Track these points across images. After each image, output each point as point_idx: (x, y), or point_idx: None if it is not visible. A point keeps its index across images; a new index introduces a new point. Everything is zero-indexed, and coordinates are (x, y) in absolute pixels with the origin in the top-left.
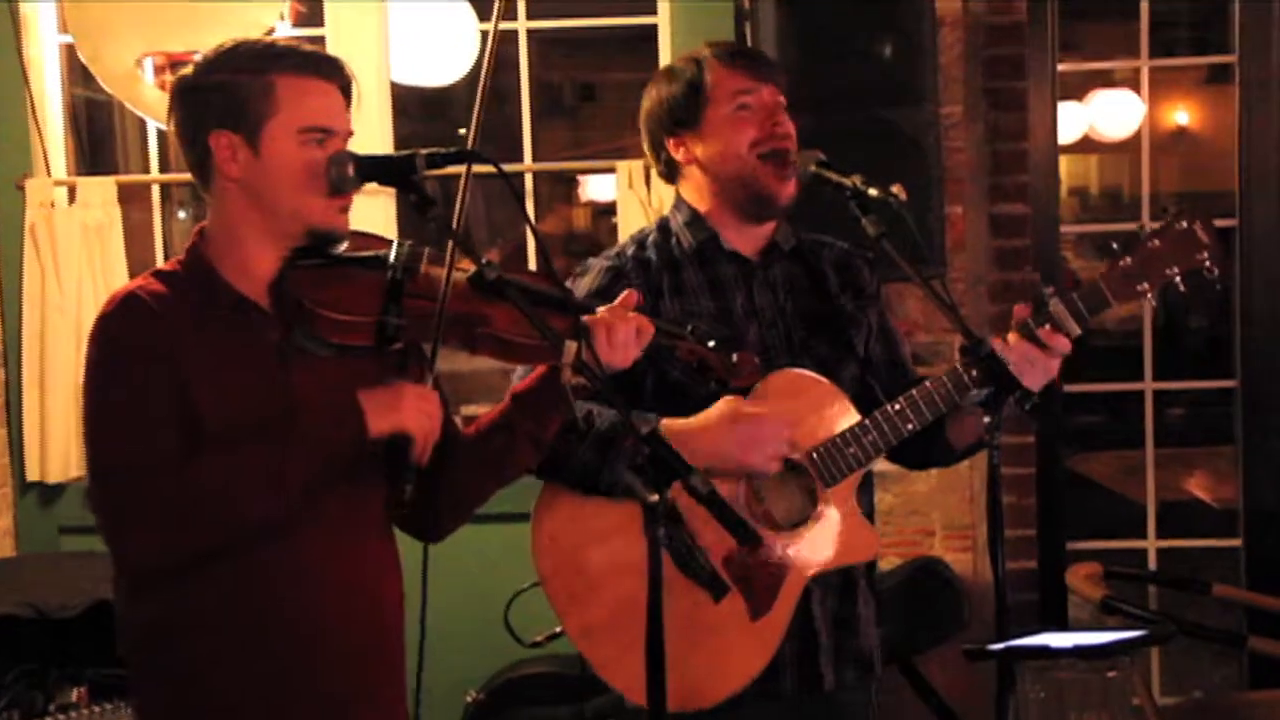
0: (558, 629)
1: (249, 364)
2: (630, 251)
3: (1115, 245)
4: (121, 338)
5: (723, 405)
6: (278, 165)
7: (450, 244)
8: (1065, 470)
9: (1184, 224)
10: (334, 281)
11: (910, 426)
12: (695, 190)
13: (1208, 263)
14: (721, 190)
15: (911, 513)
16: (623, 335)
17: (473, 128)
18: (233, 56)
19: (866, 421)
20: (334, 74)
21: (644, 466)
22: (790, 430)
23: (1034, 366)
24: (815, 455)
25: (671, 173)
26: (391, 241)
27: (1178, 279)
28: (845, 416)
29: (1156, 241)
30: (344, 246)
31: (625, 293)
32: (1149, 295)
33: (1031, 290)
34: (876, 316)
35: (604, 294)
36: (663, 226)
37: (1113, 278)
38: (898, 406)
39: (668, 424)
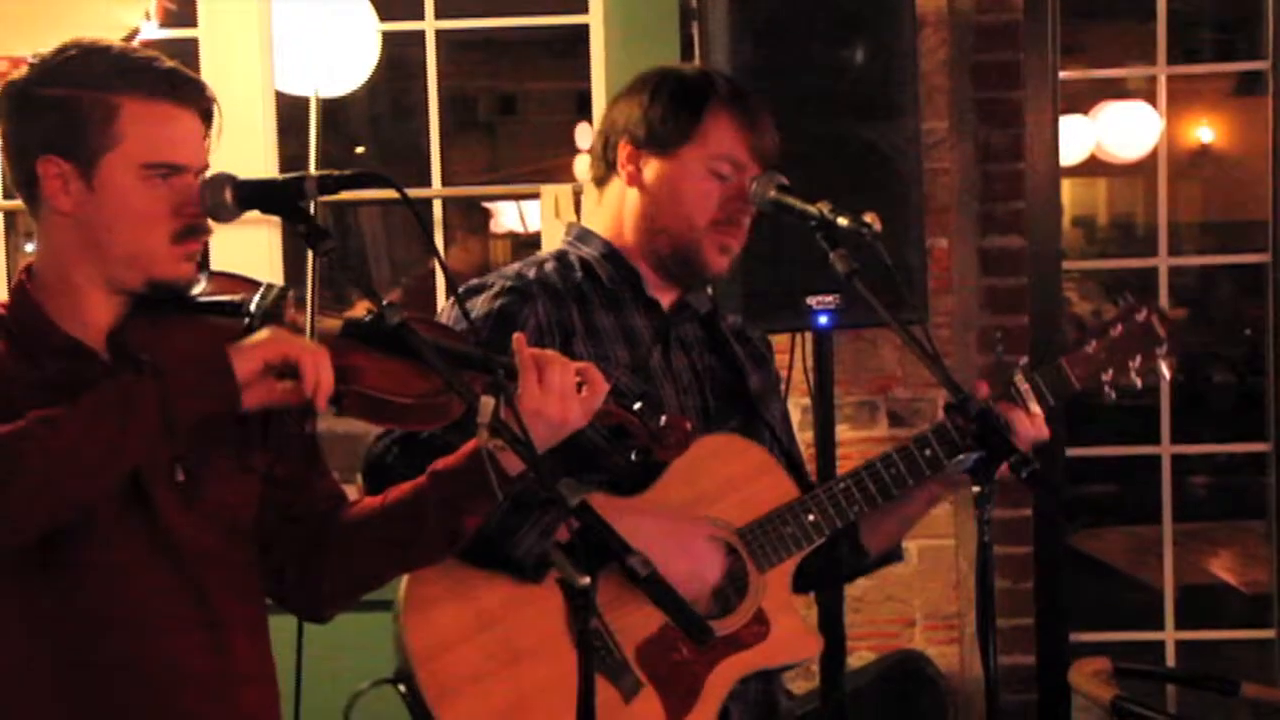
0: None
1: None
2: (533, 274)
3: (1080, 328)
4: None
5: (676, 499)
6: (114, 203)
7: (311, 277)
8: (1068, 549)
9: (1142, 313)
10: (178, 333)
11: (857, 509)
12: (618, 216)
13: (1162, 361)
14: (649, 234)
15: (887, 599)
16: (559, 380)
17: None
18: (74, 66)
19: (808, 498)
20: (192, 98)
21: (572, 544)
22: (716, 570)
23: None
24: (746, 534)
25: (604, 179)
26: (260, 285)
27: (1135, 375)
28: (781, 491)
29: (1120, 328)
30: (201, 289)
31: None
32: (1108, 388)
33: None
34: (779, 405)
35: (505, 317)
36: (561, 257)
37: (1077, 361)
38: (844, 485)
39: (596, 500)
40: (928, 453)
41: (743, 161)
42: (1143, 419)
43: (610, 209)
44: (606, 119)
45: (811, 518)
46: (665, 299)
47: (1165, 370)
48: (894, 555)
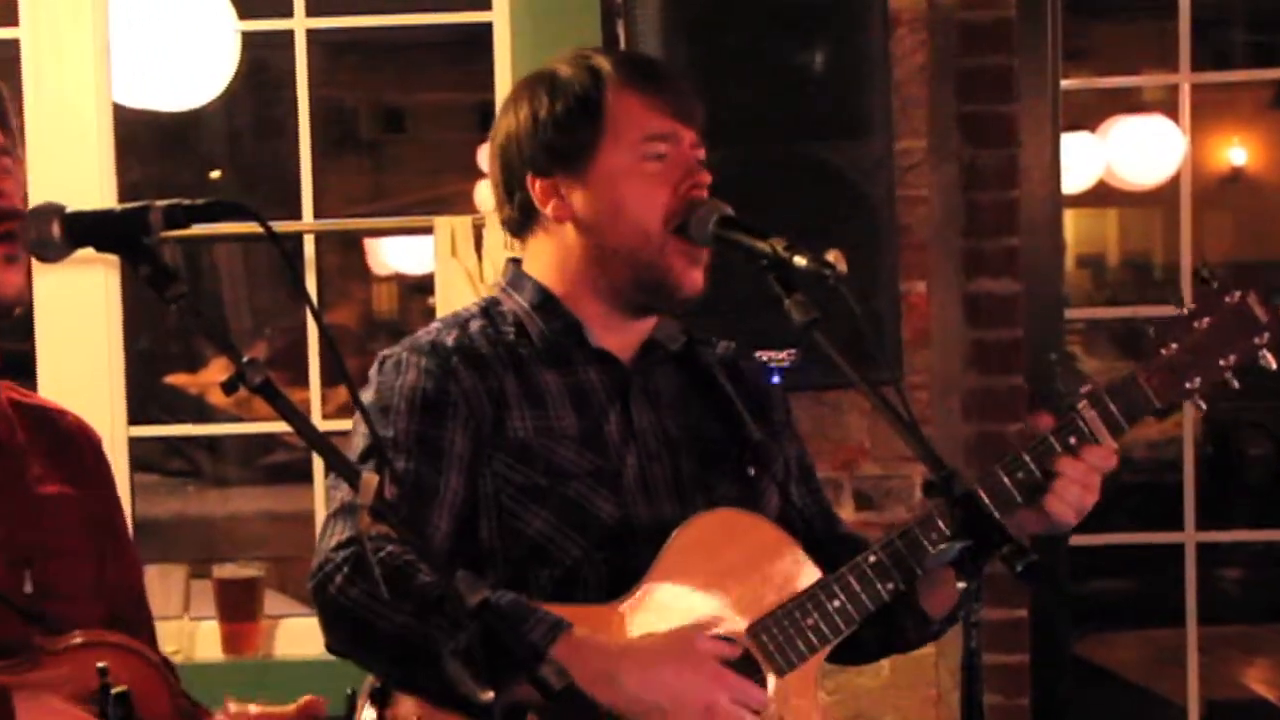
0: None
1: None
2: (452, 340)
3: (1152, 330)
4: None
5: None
6: None
7: None
8: (1073, 657)
9: (1235, 296)
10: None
11: (891, 587)
12: (555, 257)
13: (1265, 350)
14: (600, 266)
15: (855, 716)
16: None
17: None
18: None
19: (831, 580)
20: None
21: (472, 652)
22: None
23: (1072, 495)
24: (762, 634)
25: (524, 224)
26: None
27: (1230, 374)
28: (802, 575)
29: (1206, 320)
30: None
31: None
32: (1197, 396)
33: (1043, 392)
34: (795, 450)
35: (429, 403)
36: (489, 310)
37: (1155, 370)
38: (874, 559)
39: (580, 635)
40: (939, 524)
41: (669, 130)
42: (1162, 500)
43: (546, 254)
44: (497, 159)
45: (838, 604)
46: (624, 346)
47: (1270, 361)
48: (956, 615)
